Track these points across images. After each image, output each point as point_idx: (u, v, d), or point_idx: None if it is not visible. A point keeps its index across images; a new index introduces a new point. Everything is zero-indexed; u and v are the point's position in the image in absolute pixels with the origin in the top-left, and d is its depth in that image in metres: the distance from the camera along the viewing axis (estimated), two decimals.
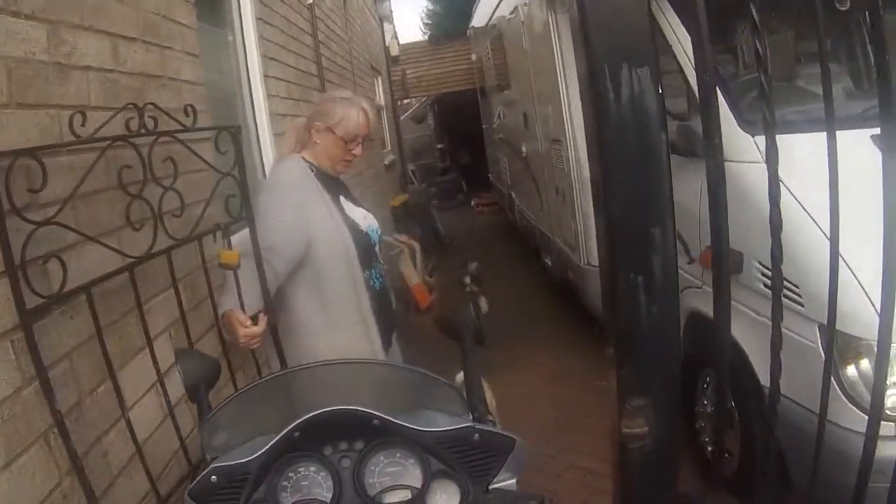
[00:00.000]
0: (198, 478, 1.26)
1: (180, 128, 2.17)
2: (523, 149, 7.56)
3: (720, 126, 1.47)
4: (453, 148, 17.18)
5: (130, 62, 2.38)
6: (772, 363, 1.59)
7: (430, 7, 20.72)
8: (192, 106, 2.25)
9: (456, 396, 1.46)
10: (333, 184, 2.70)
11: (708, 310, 3.31)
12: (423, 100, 18.03)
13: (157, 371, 2.03)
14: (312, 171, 2.61)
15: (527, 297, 7.36)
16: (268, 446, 1.25)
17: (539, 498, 1.25)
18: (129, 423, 1.87)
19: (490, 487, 1.31)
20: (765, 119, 1.47)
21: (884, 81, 1.42)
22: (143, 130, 1.98)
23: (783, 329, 1.54)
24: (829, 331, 1.66)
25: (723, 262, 1.53)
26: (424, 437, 1.28)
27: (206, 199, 2.31)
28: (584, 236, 5.29)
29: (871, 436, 1.63)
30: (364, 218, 2.76)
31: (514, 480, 1.33)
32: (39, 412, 1.63)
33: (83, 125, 1.78)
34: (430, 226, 10.68)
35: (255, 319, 2.29)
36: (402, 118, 15.83)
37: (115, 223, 2.05)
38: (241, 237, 2.48)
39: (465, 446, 1.29)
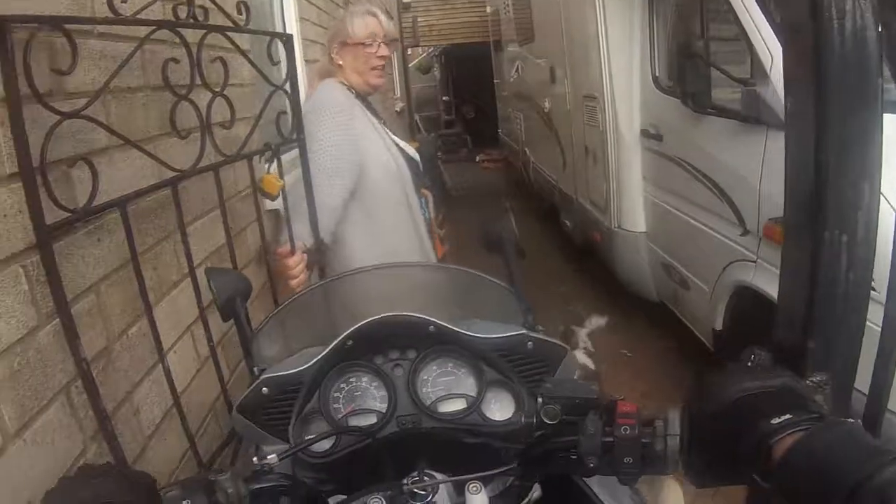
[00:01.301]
0: (248, 389, 1.19)
1: (232, 26, 1.79)
2: (546, 105, 7.13)
3: None
4: (459, 101, 16.73)
5: None
6: None
7: None
8: (244, 3, 1.85)
9: (512, 300, 1.40)
10: (373, 109, 2.53)
11: (760, 284, 3.08)
12: (430, 50, 17.46)
13: (200, 306, 1.63)
14: (352, 93, 2.43)
15: (543, 258, 6.94)
16: (321, 355, 1.18)
17: (595, 389, 1.06)
18: (168, 372, 1.48)
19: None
20: None
21: None
22: (191, 20, 1.58)
23: None
24: None
25: None
26: (479, 344, 1.21)
27: (255, 115, 1.94)
28: (616, 198, 4.94)
29: None
30: (406, 146, 2.60)
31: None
32: (60, 361, 1.22)
33: (124, 1, 1.38)
34: (438, 177, 10.32)
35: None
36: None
37: (149, 130, 1.65)
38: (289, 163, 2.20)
39: (519, 354, 1.23)
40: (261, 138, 2.04)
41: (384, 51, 2.43)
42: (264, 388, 1.18)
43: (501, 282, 1.50)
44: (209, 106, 1.63)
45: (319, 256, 2.17)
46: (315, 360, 1.18)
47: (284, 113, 1.99)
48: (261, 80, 1.97)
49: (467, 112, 16.23)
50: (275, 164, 2.08)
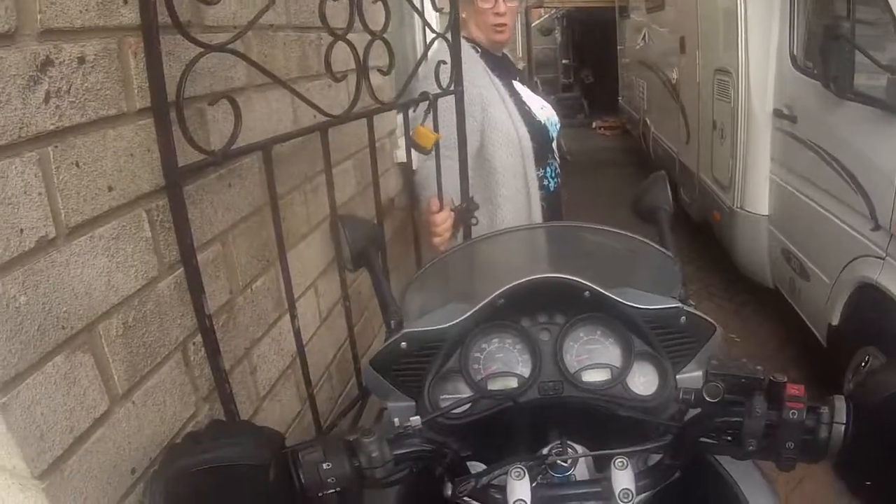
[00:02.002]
0: (385, 343, 1.12)
1: None
2: (673, 75, 6.67)
3: None
4: (578, 65, 16.13)
5: None
6: None
7: None
8: None
9: (663, 269, 1.28)
10: (504, 66, 2.31)
11: (886, 283, 2.77)
12: (552, 12, 16.86)
13: (338, 252, 1.48)
14: (477, 51, 2.26)
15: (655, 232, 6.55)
16: (470, 312, 1.09)
17: (760, 369, 0.91)
18: (297, 333, 1.33)
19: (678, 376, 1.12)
20: None
21: None
22: None
23: None
24: None
25: None
26: (633, 314, 1.10)
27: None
28: (741, 177, 4.56)
29: None
30: (542, 108, 2.34)
31: (699, 373, 1.09)
32: (178, 315, 1.08)
33: None
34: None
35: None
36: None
37: (289, 71, 1.49)
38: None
39: (670, 328, 1.12)
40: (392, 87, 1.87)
41: (503, 7, 2.23)
42: (403, 343, 1.10)
43: (662, 248, 1.36)
44: (367, 49, 1.45)
45: (467, 216, 2.00)
46: (463, 317, 1.09)
47: (444, 62, 1.83)
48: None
49: (586, 77, 15.60)
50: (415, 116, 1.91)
